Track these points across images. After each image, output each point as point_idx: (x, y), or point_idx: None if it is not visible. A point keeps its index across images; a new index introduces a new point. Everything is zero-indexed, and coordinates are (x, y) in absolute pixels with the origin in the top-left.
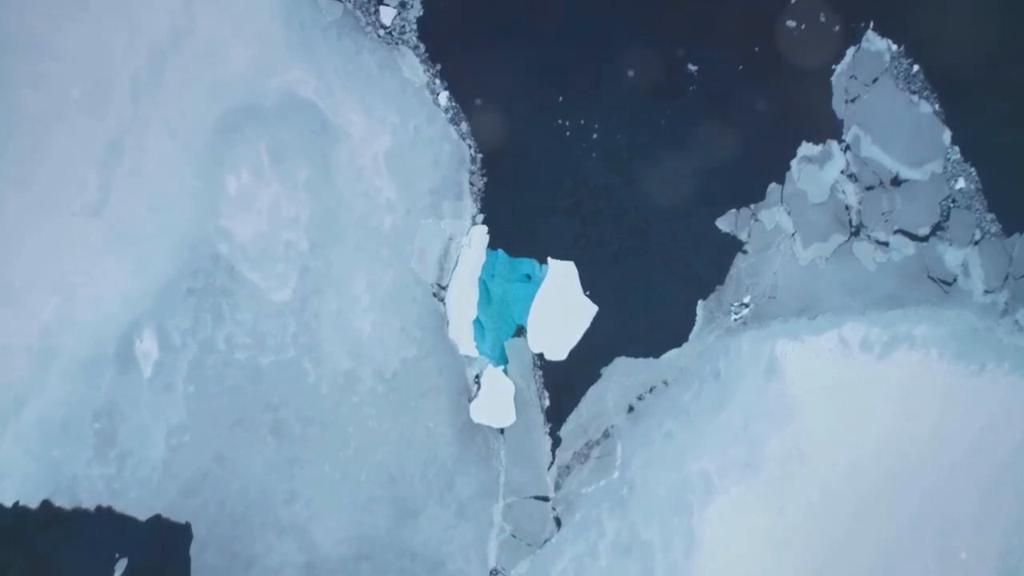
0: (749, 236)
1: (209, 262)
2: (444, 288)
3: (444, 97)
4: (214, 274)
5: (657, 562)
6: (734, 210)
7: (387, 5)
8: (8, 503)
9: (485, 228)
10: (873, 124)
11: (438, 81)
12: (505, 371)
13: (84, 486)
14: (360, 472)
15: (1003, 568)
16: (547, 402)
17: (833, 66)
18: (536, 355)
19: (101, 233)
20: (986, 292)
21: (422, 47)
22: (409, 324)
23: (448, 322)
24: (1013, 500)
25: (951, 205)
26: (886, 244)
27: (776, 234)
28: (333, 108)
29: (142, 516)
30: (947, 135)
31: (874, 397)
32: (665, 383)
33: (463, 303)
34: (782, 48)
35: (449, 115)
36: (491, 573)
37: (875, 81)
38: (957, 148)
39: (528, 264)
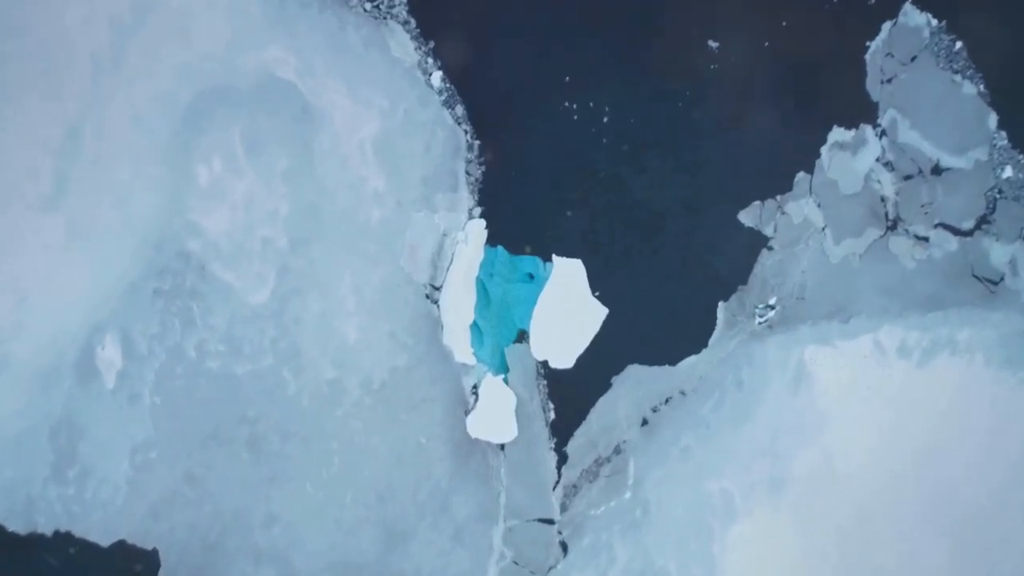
0: (775, 231)
1: (178, 261)
2: (438, 289)
3: (437, 77)
4: (183, 274)
5: None
6: (758, 202)
7: None
8: None
9: (483, 222)
10: (911, 107)
11: (431, 60)
12: (505, 380)
13: (40, 509)
14: (345, 492)
15: None
16: (552, 415)
17: (867, 43)
18: (540, 363)
19: (58, 229)
20: None
21: (413, 22)
22: (399, 329)
23: (442, 326)
24: None
25: (998, 196)
26: (926, 239)
27: (805, 229)
28: (314, 90)
29: (104, 542)
30: (993, 119)
31: (913, 408)
32: (682, 393)
33: (459, 305)
34: (812, 22)
35: (443, 97)
36: None
37: (914, 59)
38: (1004, 133)
39: (531, 262)
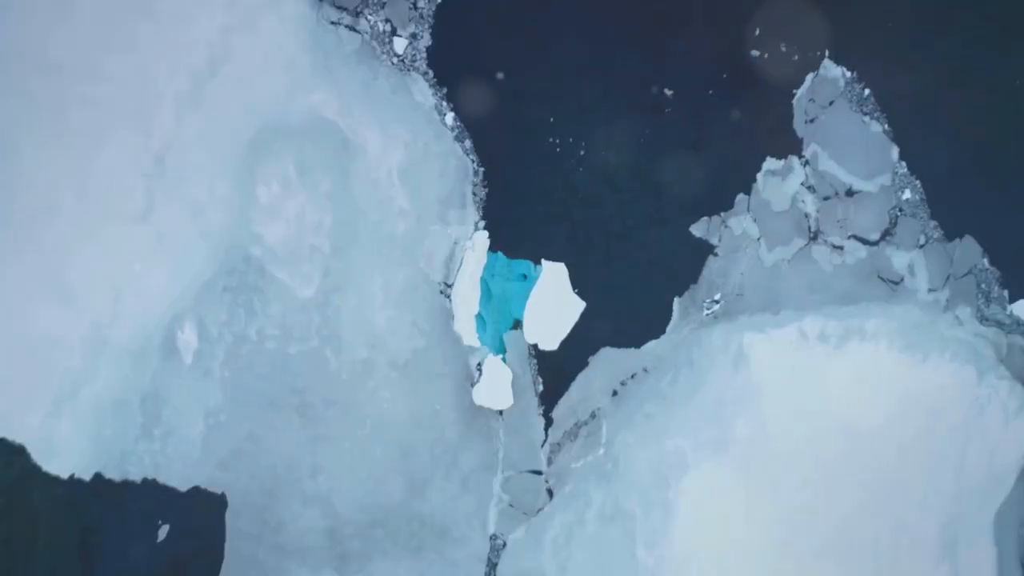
0: (720, 240)
1: (243, 263)
2: (450, 286)
3: (450, 118)
4: (247, 273)
5: (638, 529)
6: (706, 217)
7: (400, 36)
8: (64, 476)
9: (486, 233)
10: (829, 142)
11: (445, 103)
12: (504, 359)
13: (132, 461)
14: (376, 448)
15: (945, 536)
16: (541, 387)
17: (794, 90)
18: (531, 345)
19: (147, 238)
20: (929, 291)
21: (430, 73)
22: (419, 318)
23: (453, 316)
24: (953, 474)
25: (899, 213)
26: (841, 248)
27: (743, 239)
28: (352, 127)
29: (183, 487)
30: (895, 151)
31: (830, 383)
32: (645, 370)
33: (467, 300)
34: (748, 74)
35: (455, 133)
36: (491, 538)
37: (831, 104)
38: (904, 163)
39: (524, 265)
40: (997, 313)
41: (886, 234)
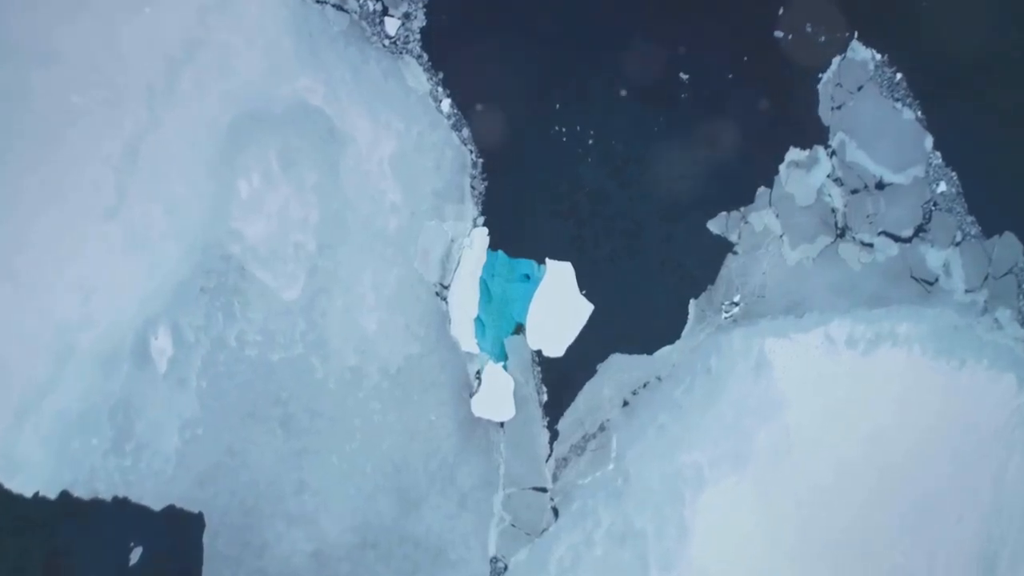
0: (739, 238)
1: (221, 262)
2: (446, 287)
3: (446, 104)
4: (226, 274)
5: (651, 551)
6: (725, 213)
7: (391, 16)
8: (28, 494)
9: (486, 230)
10: (858, 130)
11: (440, 89)
12: (505, 367)
13: (101, 477)
14: (366, 463)
15: (983, 554)
16: (545, 397)
17: (819, 74)
18: (535, 352)
19: (118, 235)
20: (966, 291)
21: (425, 56)
22: (413, 322)
23: (450, 320)
24: (991, 489)
25: (933, 208)
26: (870, 245)
27: (765, 236)
28: (340, 115)
29: (157, 506)
30: (929, 140)
31: (859, 392)
32: (658, 378)
33: (465, 302)
34: (770, 57)
35: (451, 121)
36: (491, 561)
37: (860, 89)
38: (939, 153)
39: (527, 264)
40: None
41: (919, 230)
